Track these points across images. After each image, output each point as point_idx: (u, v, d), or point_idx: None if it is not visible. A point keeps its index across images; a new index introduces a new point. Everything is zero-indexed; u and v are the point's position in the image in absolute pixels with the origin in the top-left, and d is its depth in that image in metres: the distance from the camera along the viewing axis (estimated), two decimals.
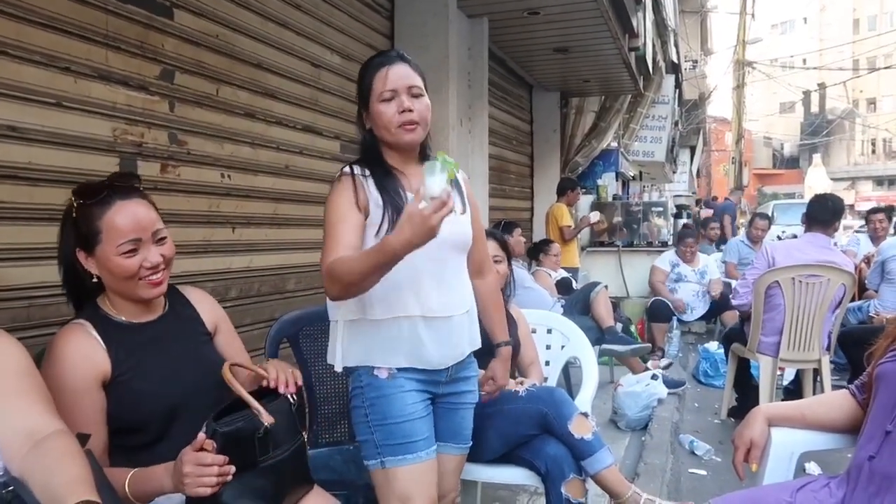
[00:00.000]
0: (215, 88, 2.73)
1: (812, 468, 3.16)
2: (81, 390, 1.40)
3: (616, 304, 5.17)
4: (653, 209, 8.00)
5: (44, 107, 2.02)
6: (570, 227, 6.37)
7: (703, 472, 3.39)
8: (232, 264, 2.85)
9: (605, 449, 2.05)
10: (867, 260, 5.40)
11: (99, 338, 1.45)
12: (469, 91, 4.83)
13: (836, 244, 5.03)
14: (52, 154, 2.05)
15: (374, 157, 1.71)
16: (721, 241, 9.11)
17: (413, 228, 1.37)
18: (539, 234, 6.86)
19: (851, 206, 25.72)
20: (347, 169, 1.68)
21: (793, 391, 4.22)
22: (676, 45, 10.88)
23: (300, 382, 1.54)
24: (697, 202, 17.71)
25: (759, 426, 1.74)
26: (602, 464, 2.03)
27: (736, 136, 22.65)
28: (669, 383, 4.44)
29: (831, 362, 3.95)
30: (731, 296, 4.16)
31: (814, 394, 3.84)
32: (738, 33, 21.47)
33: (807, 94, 35.63)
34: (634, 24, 5.91)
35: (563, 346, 2.87)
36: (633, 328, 5.42)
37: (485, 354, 1.88)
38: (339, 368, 1.70)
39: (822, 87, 34.72)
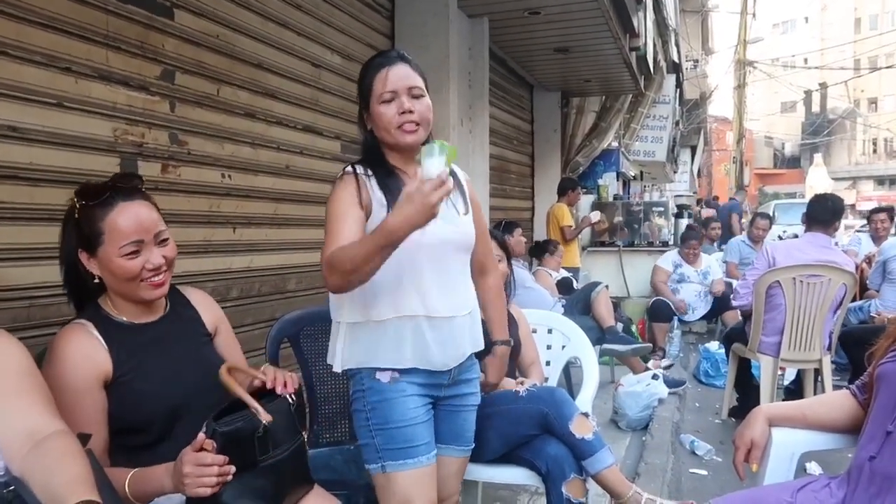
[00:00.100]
0: (216, 88, 2.73)
1: (813, 468, 3.16)
2: (82, 390, 1.41)
3: (617, 303, 5.16)
4: (654, 209, 7.99)
5: (44, 107, 2.02)
6: (570, 227, 6.36)
7: (704, 472, 3.39)
8: (232, 264, 2.85)
9: (605, 449, 2.05)
10: (868, 260, 5.39)
11: (100, 338, 1.45)
12: (469, 91, 4.83)
13: (836, 244, 5.02)
14: (53, 154, 2.05)
15: (376, 157, 1.71)
16: (725, 239, 9.09)
17: (413, 207, 1.37)
18: (540, 234, 6.85)
19: (853, 206, 25.71)
20: (350, 168, 1.68)
21: (794, 391, 4.21)
22: (677, 45, 10.86)
23: (297, 385, 1.54)
24: (698, 202, 17.70)
25: (759, 426, 1.73)
26: (603, 464, 2.03)
27: (737, 135, 22.60)
28: (670, 383, 4.43)
29: (832, 362, 3.95)
30: (731, 296, 4.16)
31: (815, 394, 3.84)
32: (740, 33, 21.44)
33: (808, 93, 35.57)
34: (635, 23, 5.90)
35: (563, 346, 2.87)
36: (633, 328, 5.42)
37: (487, 356, 1.88)
38: (337, 369, 1.69)
39: (823, 86, 34.67)
